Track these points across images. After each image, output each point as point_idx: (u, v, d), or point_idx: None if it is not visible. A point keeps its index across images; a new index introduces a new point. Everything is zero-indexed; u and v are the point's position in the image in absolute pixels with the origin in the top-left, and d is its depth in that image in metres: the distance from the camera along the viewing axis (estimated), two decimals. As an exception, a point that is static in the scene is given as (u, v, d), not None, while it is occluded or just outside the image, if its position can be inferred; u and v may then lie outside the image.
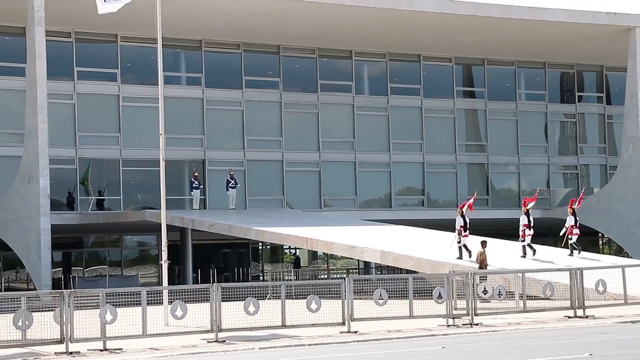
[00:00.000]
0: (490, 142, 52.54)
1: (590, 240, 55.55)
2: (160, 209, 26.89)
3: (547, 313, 25.36)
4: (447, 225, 36.06)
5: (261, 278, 50.05)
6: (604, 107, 55.53)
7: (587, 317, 25.32)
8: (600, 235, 55.20)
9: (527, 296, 25.02)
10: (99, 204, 44.44)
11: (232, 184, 43.37)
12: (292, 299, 23.22)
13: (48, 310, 20.83)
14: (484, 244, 29.72)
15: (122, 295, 21.79)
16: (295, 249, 50.90)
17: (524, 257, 32.24)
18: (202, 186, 44.11)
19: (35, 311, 20.77)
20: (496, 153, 52.61)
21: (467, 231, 31.10)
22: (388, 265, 35.77)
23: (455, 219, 31.65)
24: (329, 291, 24.25)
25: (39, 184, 37.59)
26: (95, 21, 42.25)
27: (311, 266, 53.36)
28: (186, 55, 46.43)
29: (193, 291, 22.84)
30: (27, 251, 38.22)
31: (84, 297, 21.30)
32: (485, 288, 24.79)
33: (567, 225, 33.63)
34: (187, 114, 45.69)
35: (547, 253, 33.85)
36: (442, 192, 51.13)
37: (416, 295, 23.80)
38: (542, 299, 25.79)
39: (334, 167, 48.57)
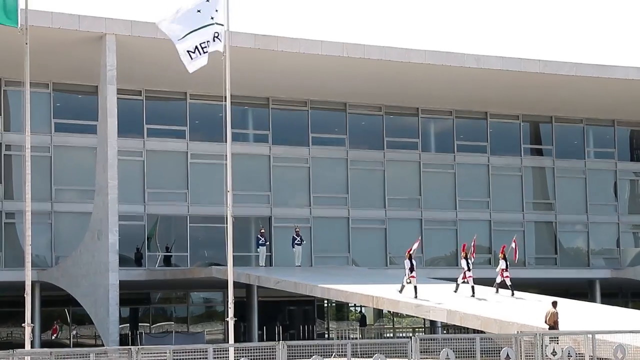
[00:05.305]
0: (559, 201, 51.96)
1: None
2: (226, 265, 26.99)
3: (618, 376, 24.76)
4: (514, 285, 35.62)
5: (327, 336, 49.80)
6: (675, 164, 54.71)
7: (660, 380, 24.70)
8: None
9: (597, 358, 24.50)
10: (166, 261, 44.79)
11: (298, 241, 43.40)
12: (358, 357, 23.03)
13: (116, 366, 20.94)
14: (554, 304, 29.33)
15: (188, 352, 21.81)
16: (361, 306, 50.61)
17: (473, 296, 34.43)
18: (268, 243, 44.21)
19: (103, 367, 20.88)
20: (564, 212, 52.00)
21: (414, 272, 33.56)
22: (455, 325, 35.38)
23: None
24: (395, 350, 24.03)
25: (108, 240, 38.00)
26: (164, 79, 43.09)
27: (377, 324, 52.98)
28: (253, 113, 46.89)
29: (259, 349, 22.78)
30: (96, 306, 38.57)
31: (151, 353, 21.38)
32: (554, 349, 24.34)
33: (498, 269, 35.73)
34: (253, 171, 46.02)
35: (483, 292, 35.26)
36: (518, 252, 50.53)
37: (483, 355, 23.46)
38: (614, 361, 25.22)
39: (400, 224, 48.39)
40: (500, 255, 36.04)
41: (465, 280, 34.68)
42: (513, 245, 37.48)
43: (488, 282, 41.88)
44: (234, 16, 27.10)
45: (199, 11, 24.83)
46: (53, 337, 45.90)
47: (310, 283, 37.91)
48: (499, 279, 35.74)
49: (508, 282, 35.52)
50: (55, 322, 47.02)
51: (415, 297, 33.13)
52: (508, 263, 35.92)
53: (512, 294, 35.44)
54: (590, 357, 24.63)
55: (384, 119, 48.71)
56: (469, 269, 34.66)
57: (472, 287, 34.58)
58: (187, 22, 24.83)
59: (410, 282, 33.38)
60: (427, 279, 43.12)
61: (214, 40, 24.91)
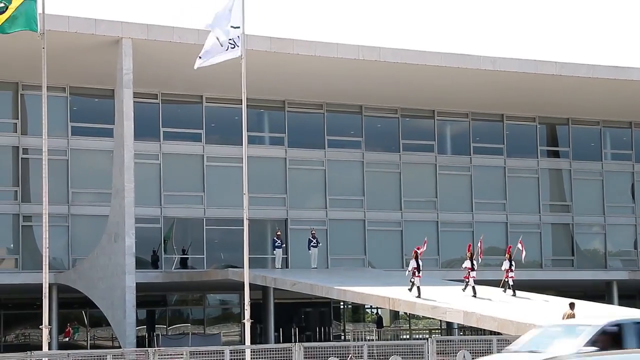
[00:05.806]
0: (575, 202, 51.81)
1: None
2: (243, 267, 27.06)
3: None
4: (531, 286, 35.62)
5: (343, 337, 49.80)
6: (693, 166, 54.44)
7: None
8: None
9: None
10: (183, 263, 44.90)
11: (314, 243, 43.45)
12: (375, 359, 23.06)
13: (133, 368, 21.03)
14: (572, 305, 29.32)
15: (205, 353, 21.90)
16: (377, 308, 50.59)
17: (475, 296, 34.58)
18: (284, 245, 44.27)
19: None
20: (581, 213, 51.83)
21: (420, 273, 33.83)
22: (471, 326, 35.35)
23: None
24: (412, 352, 24.05)
25: (124, 242, 38.14)
26: (180, 83, 43.23)
27: (393, 326, 52.94)
28: (269, 116, 46.96)
29: (275, 350, 22.86)
30: (113, 309, 38.71)
31: (168, 355, 21.48)
32: (571, 351, 24.22)
33: (503, 268, 36.14)
34: (269, 173, 46.07)
35: (487, 292, 35.61)
36: (525, 252, 50.44)
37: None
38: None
39: (416, 226, 48.33)
40: (507, 255, 36.29)
41: (467, 279, 34.94)
42: (519, 246, 37.54)
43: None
44: (250, 19, 27.39)
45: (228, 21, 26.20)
46: (66, 340, 46.05)
47: (326, 285, 37.94)
48: (504, 279, 36.06)
49: (510, 282, 35.83)
50: (68, 325, 47.18)
51: (418, 295, 33.52)
52: (514, 263, 36.25)
53: (506, 292, 35.85)
54: (607, 359, 24.50)
55: (400, 122, 48.69)
56: (473, 269, 34.85)
57: (473, 288, 34.76)
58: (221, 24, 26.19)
59: (413, 282, 33.65)
60: (443, 280, 43.15)
61: (234, 47, 25.98)
